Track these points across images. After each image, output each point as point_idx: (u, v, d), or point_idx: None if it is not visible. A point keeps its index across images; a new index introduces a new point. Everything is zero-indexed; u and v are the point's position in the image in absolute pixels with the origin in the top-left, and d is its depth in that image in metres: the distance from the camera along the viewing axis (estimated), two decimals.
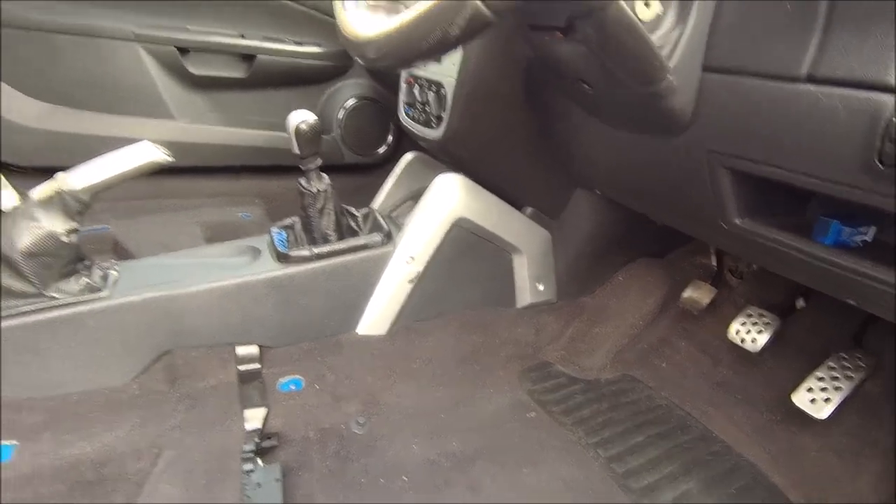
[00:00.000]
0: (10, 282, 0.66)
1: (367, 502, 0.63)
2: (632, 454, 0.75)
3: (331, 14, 1.38)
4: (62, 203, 0.66)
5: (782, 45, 0.43)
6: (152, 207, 1.33)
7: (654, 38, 0.41)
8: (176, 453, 0.65)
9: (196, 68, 1.30)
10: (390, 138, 1.60)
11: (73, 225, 0.68)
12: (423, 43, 0.34)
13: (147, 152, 0.69)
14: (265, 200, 1.48)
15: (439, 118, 0.81)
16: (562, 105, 0.71)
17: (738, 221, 0.56)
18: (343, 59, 1.46)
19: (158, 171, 1.32)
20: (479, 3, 0.31)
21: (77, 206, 0.67)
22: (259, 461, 0.67)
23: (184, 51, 1.28)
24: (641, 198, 0.77)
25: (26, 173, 1.23)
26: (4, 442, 0.64)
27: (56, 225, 0.66)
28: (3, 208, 1.20)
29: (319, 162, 0.80)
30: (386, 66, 0.40)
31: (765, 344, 0.83)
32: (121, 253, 1.23)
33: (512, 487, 0.68)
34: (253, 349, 0.80)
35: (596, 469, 0.72)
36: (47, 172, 1.24)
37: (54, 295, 0.68)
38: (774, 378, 0.84)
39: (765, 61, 0.44)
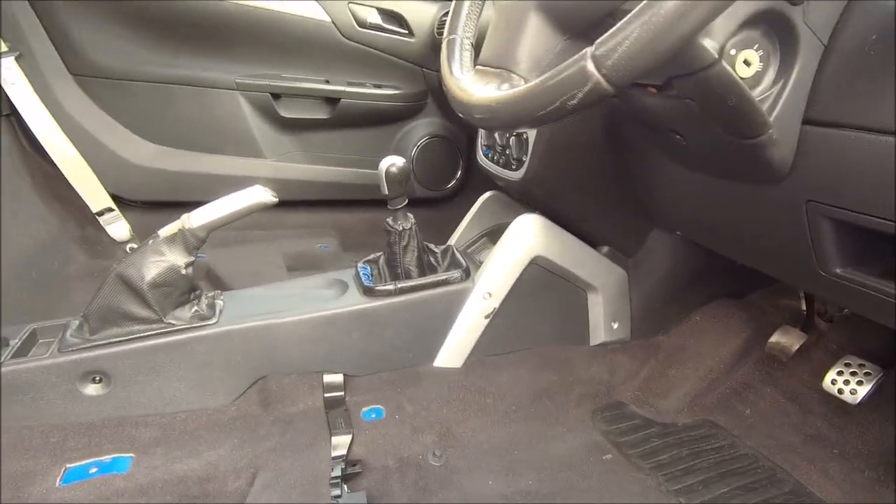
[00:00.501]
0: (136, 309, 0.74)
1: None
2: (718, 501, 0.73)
3: (408, 59, 1.48)
4: (183, 239, 0.74)
5: (883, 100, 0.43)
6: (241, 238, 1.44)
7: (755, 93, 0.43)
8: (272, 475, 0.69)
9: (286, 111, 1.42)
10: (459, 174, 1.66)
11: (191, 259, 0.76)
12: (538, 112, 0.37)
13: (258, 195, 0.76)
14: (340, 232, 1.56)
15: (520, 161, 0.85)
16: (644, 149, 0.73)
17: (838, 270, 0.54)
18: (418, 99, 1.54)
19: None
20: (600, 78, 0.33)
21: (195, 243, 0.75)
22: (345, 487, 0.70)
23: (276, 96, 1.40)
24: (728, 242, 0.76)
25: (136, 206, 1.38)
26: (124, 455, 0.71)
27: (177, 259, 0.74)
28: (116, 238, 1.34)
29: (405, 201, 0.85)
30: (493, 128, 0.44)
31: (864, 396, 0.78)
32: (213, 279, 1.33)
33: None
34: (338, 377, 0.85)
35: None
36: (155, 206, 1.39)
37: (171, 321, 0.76)
38: (876, 432, 0.79)
39: (866, 115, 0.44)
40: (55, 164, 1.22)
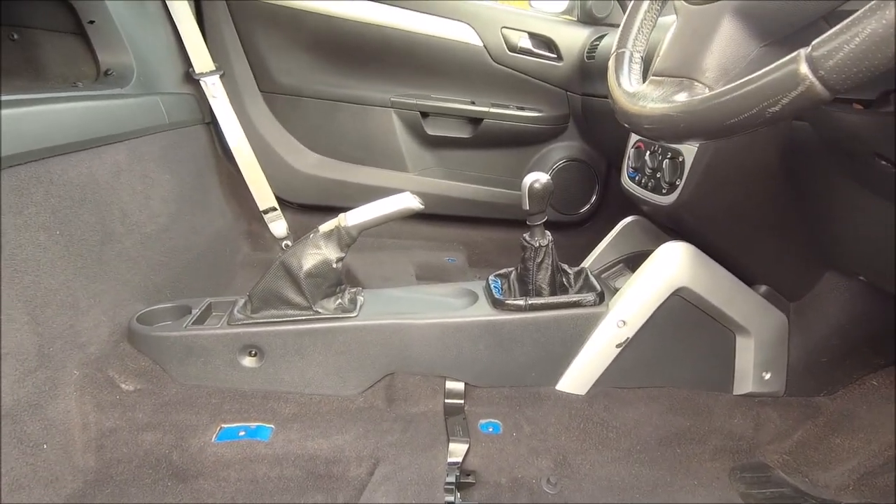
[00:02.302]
0: (292, 294, 0.82)
1: None
2: None
3: (553, 82, 1.48)
4: (338, 236, 0.82)
5: None
6: (377, 244, 1.54)
7: None
8: (391, 468, 0.71)
9: (432, 129, 1.50)
10: (594, 199, 1.61)
11: (342, 255, 0.82)
12: (730, 119, 0.35)
13: (407, 201, 0.81)
14: (468, 247, 1.60)
15: (672, 185, 0.80)
16: (831, 178, 0.64)
17: None
18: (559, 122, 1.54)
19: None
20: (815, 81, 0.30)
21: (348, 240, 0.82)
22: (458, 495, 0.70)
23: (424, 115, 1.49)
24: None
25: (294, 208, 1.55)
26: (267, 424, 0.79)
27: (331, 253, 0.82)
28: (275, 235, 1.50)
29: (545, 218, 0.84)
30: (666, 138, 0.42)
31: None
32: (351, 280, 1.44)
33: None
34: (460, 385, 0.86)
35: None
36: (310, 209, 1.54)
37: (319, 310, 0.83)
38: None
39: None
40: (237, 167, 1.42)
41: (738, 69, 0.40)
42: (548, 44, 1.46)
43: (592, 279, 0.89)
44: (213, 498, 0.70)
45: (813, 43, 0.31)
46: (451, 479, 0.71)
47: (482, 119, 1.48)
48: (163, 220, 1.09)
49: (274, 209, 1.48)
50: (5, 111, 0.71)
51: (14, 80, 1.11)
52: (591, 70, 1.38)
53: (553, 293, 0.87)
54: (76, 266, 0.82)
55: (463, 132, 1.52)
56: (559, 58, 1.47)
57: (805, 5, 0.36)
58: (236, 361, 0.83)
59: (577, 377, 0.87)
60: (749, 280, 0.86)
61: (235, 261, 1.41)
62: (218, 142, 1.43)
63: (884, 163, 0.49)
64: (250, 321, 0.83)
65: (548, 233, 0.86)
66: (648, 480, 0.78)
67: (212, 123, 1.40)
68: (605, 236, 1.52)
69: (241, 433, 0.77)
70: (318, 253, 0.81)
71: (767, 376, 0.89)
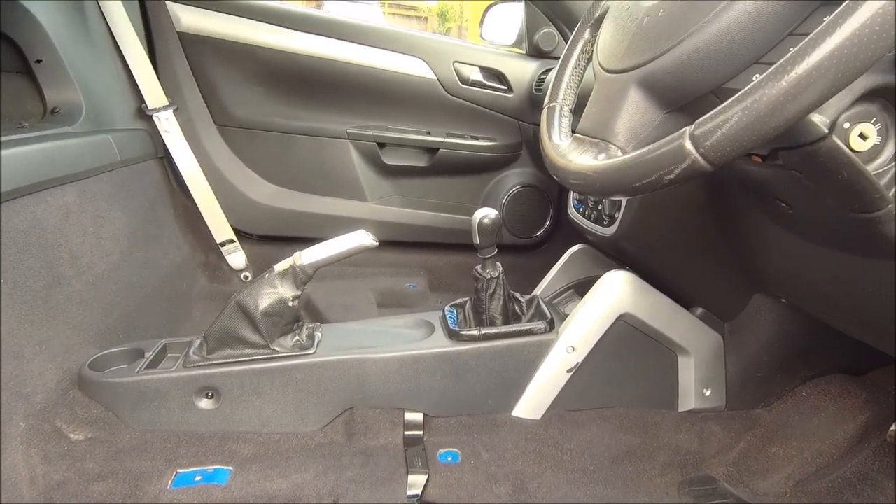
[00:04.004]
0: (248, 334, 0.83)
1: None
2: None
3: (505, 112, 1.54)
4: (294, 275, 0.83)
5: None
6: (337, 273, 1.54)
7: (872, 167, 0.41)
8: None
9: (389, 159, 1.53)
10: (548, 223, 1.67)
11: (298, 293, 0.84)
12: (635, 183, 0.39)
13: (362, 238, 0.83)
14: (428, 273, 1.62)
15: (612, 217, 0.85)
16: (748, 212, 0.70)
17: None
18: (512, 150, 1.59)
19: None
20: (698, 157, 0.35)
21: (303, 278, 0.83)
22: None
23: (381, 145, 1.52)
24: (839, 314, 0.71)
25: (252, 239, 1.54)
26: (224, 467, 0.78)
27: (287, 292, 0.83)
28: (233, 266, 1.49)
29: (495, 251, 0.88)
30: (588, 194, 0.46)
31: None
32: (311, 310, 1.44)
33: None
34: (418, 416, 0.88)
35: None
36: (268, 240, 1.54)
37: (276, 348, 0.84)
38: None
39: None
40: (193, 200, 1.41)
41: (646, 133, 0.44)
42: (498, 76, 1.52)
43: (543, 307, 0.93)
44: None
45: (696, 121, 0.35)
46: None
47: (438, 148, 1.52)
48: (115, 259, 1.08)
49: (231, 241, 1.47)
50: None
51: None
52: (539, 101, 1.45)
53: (506, 322, 0.90)
54: (21, 314, 0.80)
55: (420, 161, 1.56)
56: (510, 89, 1.54)
57: (693, 83, 0.41)
58: (192, 404, 0.82)
59: (532, 402, 0.90)
60: (686, 303, 0.92)
61: (192, 294, 1.40)
62: (172, 176, 1.41)
63: (784, 205, 0.55)
64: (206, 362, 0.83)
65: (498, 264, 0.90)
66: (602, 499, 0.81)
67: (165, 158, 1.39)
68: (559, 258, 1.58)
69: (198, 478, 0.76)
70: (273, 292, 0.82)
71: (708, 392, 0.94)
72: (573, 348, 0.88)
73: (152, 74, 1.32)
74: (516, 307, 0.94)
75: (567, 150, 0.50)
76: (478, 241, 0.87)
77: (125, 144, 1.20)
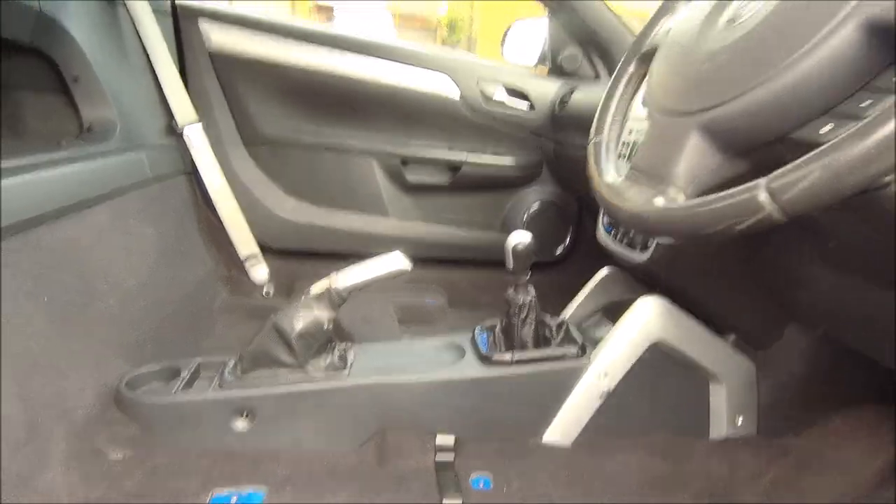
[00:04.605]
0: (283, 355, 0.84)
1: None
2: None
3: (524, 129, 1.55)
4: (329, 298, 0.84)
5: None
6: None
7: None
8: None
9: (412, 176, 1.54)
10: (568, 241, 1.67)
11: (333, 315, 0.84)
12: (702, 230, 0.39)
13: (397, 262, 0.84)
14: (449, 289, 1.63)
15: (645, 244, 0.85)
16: (787, 243, 0.71)
17: None
18: (533, 167, 1.60)
19: (367, 257, 1.55)
20: (774, 210, 0.35)
21: (338, 301, 0.84)
22: None
23: (405, 162, 1.53)
24: (884, 351, 0.70)
25: (275, 253, 1.55)
26: (259, 489, 0.79)
27: (322, 314, 0.83)
28: (256, 281, 1.50)
29: (528, 276, 0.88)
30: (647, 234, 0.46)
31: None
32: (336, 329, 1.44)
33: None
34: (450, 439, 0.88)
35: None
36: (292, 254, 1.54)
37: (310, 369, 0.84)
38: None
39: None
40: (218, 215, 1.42)
41: (706, 177, 0.45)
42: (522, 95, 1.53)
43: (573, 331, 0.94)
44: None
45: (772, 175, 0.36)
46: None
47: (460, 166, 1.53)
48: (143, 274, 1.09)
49: (254, 255, 1.48)
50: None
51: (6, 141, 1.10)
52: (562, 120, 1.46)
53: (537, 345, 0.91)
54: (61, 331, 0.81)
55: (442, 178, 1.57)
56: (532, 107, 1.55)
57: (762, 132, 0.42)
58: (228, 425, 0.83)
59: (563, 428, 0.90)
60: (718, 330, 0.92)
61: (214, 308, 1.40)
62: (199, 191, 1.43)
63: (827, 239, 0.55)
64: (242, 384, 0.83)
65: (531, 289, 0.90)
66: None
67: (193, 173, 1.41)
68: (579, 276, 1.57)
69: (234, 499, 0.77)
70: (308, 314, 0.83)
71: (740, 420, 0.94)
72: (605, 374, 0.88)
73: (183, 92, 1.34)
74: (546, 331, 0.94)
75: (622, 189, 0.50)
76: (511, 266, 0.87)
77: (156, 161, 1.22)
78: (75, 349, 0.82)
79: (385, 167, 1.53)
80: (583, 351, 0.89)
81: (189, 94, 1.35)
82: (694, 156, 0.45)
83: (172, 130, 1.35)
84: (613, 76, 0.66)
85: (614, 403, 0.90)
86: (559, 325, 0.96)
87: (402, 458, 0.85)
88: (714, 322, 0.92)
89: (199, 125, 1.36)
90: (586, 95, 1.35)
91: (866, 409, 0.95)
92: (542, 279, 1.67)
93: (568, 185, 1.60)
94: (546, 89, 1.53)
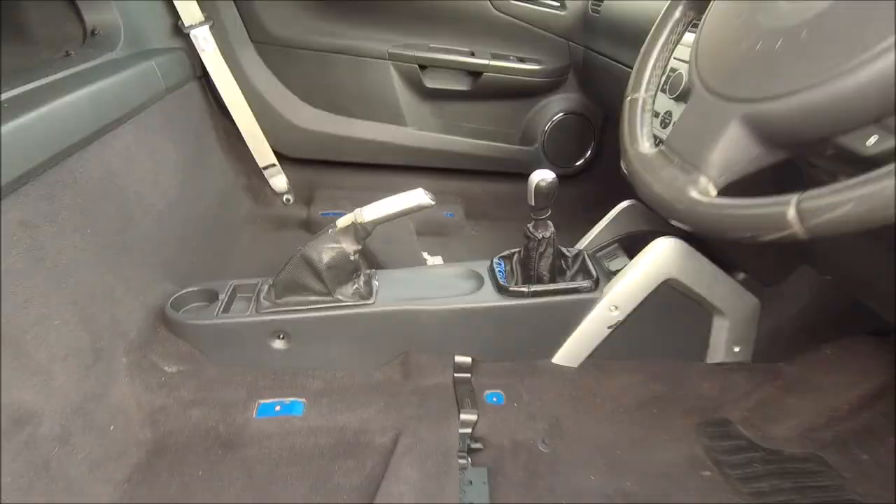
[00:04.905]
0: (313, 283, 0.89)
1: None
2: None
3: (556, 32, 1.44)
4: (354, 231, 0.86)
5: None
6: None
7: None
8: (412, 440, 0.83)
9: (430, 82, 1.48)
10: (589, 153, 1.64)
11: (359, 247, 0.88)
12: (726, 234, 0.40)
13: (420, 198, 0.85)
14: (465, 201, 1.64)
15: None
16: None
17: None
18: (560, 74, 1.52)
19: (384, 167, 1.54)
20: (800, 230, 0.36)
21: (363, 234, 0.87)
22: (469, 460, 0.83)
23: (423, 67, 1.45)
24: (890, 308, 0.74)
25: (292, 162, 1.55)
26: (299, 399, 0.89)
27: (348, 247, 0.87)
28: (276, 189, 1.52)
29: (549, 213, 0.90)
30: (671, 219, 0.47)
31: None
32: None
33: None
34: (467, 360, 0.96)
35: None
36: (308, 163, 1.54)
37: (339, 297, 0.90)
38: None
39: None
40: (233, 122, 1.40)
41: (739, 166, 0.44)
42: None
43: (588, 263, 0.97)
44: (259, 464, 0.82)
45: (805, 194, 0.36)
46: (463, 447, 0.84)
47: (482, 72, 1.46)
48: (172, 194, 1.11)
49: (273, 165, 1.49)
50: (25, 117, 0.72)
51: (5, 47, 1.06)
52: (595, 24, 1.35)
53: (553, 279, 0.95)
54: (107, 259, 0.86)
55: (462, 85, 1.50)
56: (563, 6, 1.42)
57: (809, 133, 0.41)
58: (267, 344, 0.91)
59: (571, 352, 0.97)
60: (730, 266, 0.95)
61: (239, 217, 1.45)
62: (212, 97, 1.39)
63: None
64: (276, 308, 0.90)
65: (550, 224, 0.92)
66: (627, 438, 0.92)
67: (203, 77, 1.36)
68: (597, 190, 1.57)
69: (277, 408, 0.88)
70: (336, 247, 0.87)
71: (737, 349, 1.01)
72: (616, 307, 0.93)
73: None
74: (562, 262, 0.98)
75: (656, 166, 0.50)
76: (533, 203, 0.88)
77: (166, 68, 1.17)
78: (123, 275, 0.88)
79: (402, 73, 1.46)
80: (595, 285, 0.94)
81: None
82: (732, 145, 0.44)
83: (178, 31, 1.28)
84: (657, 22, 0.61)
85: (621, 332, 0.96)
86: (575, 257, 0.99)
87: (424, 376, 0.94)
88: (727, 257, 0.95)
89: (207, 26, 1.28)
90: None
91: (858, 342, 1.02)
92: (563, 192, 1.67)
93: (594, 96, 1.53)
94: None
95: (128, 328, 0.86)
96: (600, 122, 1.59)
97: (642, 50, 0.62)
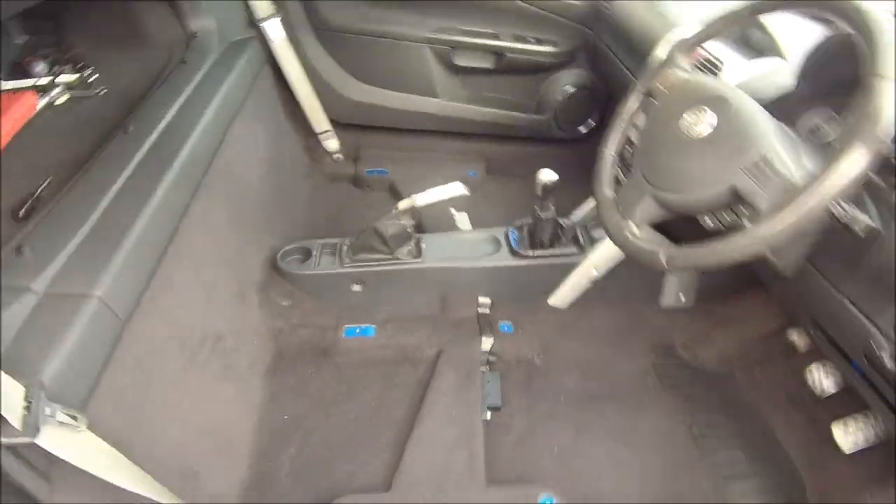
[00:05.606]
0: (381, 247, 1.26)
1: (539, 404, 1.19)
2: (712, 425, 1.18)
3: (571, 18, 1.67)
4: (411, 212, 1.22)
5: None
6: (413, 158, 1.89)
7: None
8: (449, 355, 1.24)
9: (460, 61, 1.73)
10: (593, 123, 1.91)
11: (413, 223, 1.24)
12: (636, 259, 0.76)
13: (459, 189, 1.19)
14: (486, 161, 1.95)
15: None
16: None
17: None
18: (572, 54, 1.76)
19: (418, 132, 1.84)
20: (665, 266, 0.71)
21: (417, 213, 1.23)
22: (488, 368, 1.25)
23: (454, 47, 1.70)
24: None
25: (343, 127, 1.85)
26: (371, 326, 1.30)
27: (407, 222, 1.23)
28: (328, 150, 1.83)
29: (552, 200, 1.23)
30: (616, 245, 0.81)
31: (831, 391, 1.14)
32: (393, 190, 1.83)
33: (625, 423, 1.17)
34: (488, 300, 1.35)
35: (684, 429, 1.17)
36: (356, 128, 1.84)
37: (398, 256, 1.28)
38: (830, 410, 1.16)
39: None
40: (297, 98, 1.69)
41: (650, 218, 0.77)
42: None
43: (579, 234, 1.33)
44: (347, 367, 1.24)
45: (670, 249, 0.71)
46: (485, 360, 1.25)
47: (504, 52, 1.70)
48: (263, 169, 1.45)
49: (328, 130, 1.80)
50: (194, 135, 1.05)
51: (128, 50, 1.35)
52: (604, 17, 1.58)
53: (552, 245, 1.31)
54: (237, 225, 1.23)
55: (487, 63, 1.75)
56: None
57: (682, 210, 0.75)
58: (348, 288, 1.30)
59: (562, 297, 1.36)
60: (678, 238, 1.30)
61: (300, 174, 1.79)
62: (278, 79, 1.67)
63: None
64: (355, 263, 1.28)
65: (551, 206, 1.26)
66: (599, 356, 1.33)
67: (271, 62, 1.63)
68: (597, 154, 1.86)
69: (357, 331, 1.29)
70: (398, 223, 1.22)
71: (683, 298, 1.39)
72: (596, 266, 1.30)
73: None
74: (560, 231, 1.33)
75: (609, 208, 0.84)
76: (539, 194, 1.21)
77: (251, 60, 1.46)
78: (247, 237, 1.26)
79: (436, 53, 1.71)
80: (581, 251, 1.30)
81: None
82: (646, 208, 0.78)
83: (252, 24, 1.53)
84: (625, 102, 0.91)
85: (598, 283, 1.34)
86: (570, 228, 1.34)
87: (457, 310, 1.34)
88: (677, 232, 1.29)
89: (277, 19, 1.54)
90: (630, 5, 1.46)
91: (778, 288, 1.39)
92: (569, 154, 1.97)
93: (600, 75, 1.78)
94: None
95: (255, 276, 1.25)
96: (604, 97, 1.85)
97: (615, 116, 0.92)
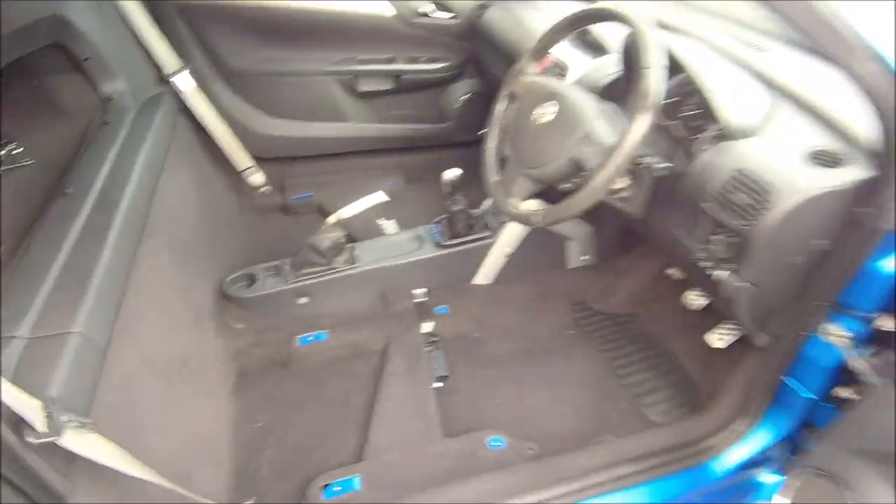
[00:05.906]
0: (319, 259, 1.41)
1: (480, 369, 1.38)
2: (625, 357, 1.42)
3: (454, 35, 1.90)
4: (341, 224, 1.38)
5: None
6: (337, 180, 2.05)
7: None
8: (396, 343, 1.41)
9: (364, 87, 1.91)
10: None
11: (344, 233, 1.40)
12: (522, 223, 0.96)
13: (380, 197, 1.37)
14: (405, 171, 2.14)
15: None
16: None
17: None
18: (460, 67, 1.99)
19: (336, 155, 2.01)
20: (537, 223, 0.92)
21: (345, 224, 1.39)
22: (434, 347, 1.42)
23: (356, 76, 1.89)
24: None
25: (265, 162, 1.98)
26: (323, 331, 1.44)
27: (338, 234, 1.39)
28: (254, 185, 1.95)
29: (461, 197, 1.43)
30: (504, 215, 1.01)
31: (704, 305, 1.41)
32: (322, 211, 1.97)
33: (555, 370, 1.39)
34: (422, 289, 1.53)
35: (603, 365, 1.40)
36: (278, 160, 1.98)
37: (336, 266, 1.43)
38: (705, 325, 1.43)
39: None
40: (216, 142, 1.81)
41: (525, 193, 1.00)
42: (447, 8, 1.85)
43: (489, 220, 1.54)
44: (307, 371, 1.38)
45: (540, 208, 0.92)
46: (428, 342, 1.43)
47: (401, 74, 1.91)
48: (195, 206, 1.56)
49: (251, 166, 1.92)
50: (131, 188, 1.16)
51: (46, 121, 1.43)
52: (479, 27, 1.82)
53: (467, 233, 1.51)
54: (184, 261, 1.34)
55: (387, 85, 1.95)
56: (456, 17, 1.87)
57: (548, 181, 0.96)
58: (294, 302, 1.44)
59: (485, 275, 1.57)
60: None
61: (233, 210, 1.90)
62: (197, 125, 1.78)
63: None
64: (298, 278, 1.42)
65: (462, 199, 1.46)
66: (525, 320, 1.54)
67: (184, 112, 1.74)
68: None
69: (310, 337, 1.43)
70: (331, 236, 1.38)
71: (585, 258, 1.63)
72: (508, 245, 1.52)
73: (165, 43, 1.61)
74: (472, 220, 1.54)
75: (496, 189, 1.05)
76: (447, 191, 1.41)
77: (166, 113, 1.57)
78: (194, 270, 1.36)
79: (341, 82, 1.89)
80: (493, 233, 1.51)
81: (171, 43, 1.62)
82: (522, 184, 0.99)
83: (161, 80, 1.65)
84: (496, 104, 1.13)
85: (514, 257, 1.56)
86: (481, 216, 1.55)
87: (397, 304, 1.51)
88: None
89: (186, 71, 1.66)
90: (500, 12, 1.71)
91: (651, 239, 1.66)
92: (475, 154, 2.18)
93: (487, 83, 2.02)
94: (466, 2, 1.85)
95: (207, 305, 1.36)
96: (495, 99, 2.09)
97: (490, 120, 1.14)
